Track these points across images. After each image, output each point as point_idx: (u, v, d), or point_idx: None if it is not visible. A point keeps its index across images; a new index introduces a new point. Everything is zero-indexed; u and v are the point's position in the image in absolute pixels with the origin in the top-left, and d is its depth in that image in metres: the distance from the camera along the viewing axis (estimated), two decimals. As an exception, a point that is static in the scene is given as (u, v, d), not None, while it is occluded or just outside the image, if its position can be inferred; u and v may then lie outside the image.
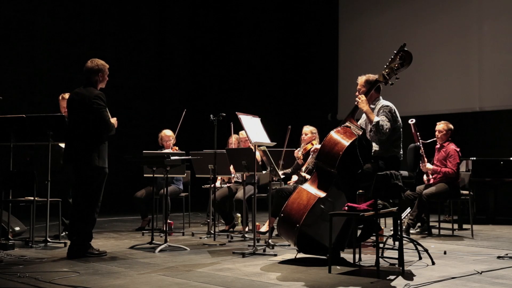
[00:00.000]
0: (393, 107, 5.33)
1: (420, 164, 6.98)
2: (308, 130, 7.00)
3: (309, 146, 6.72)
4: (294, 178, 7.14)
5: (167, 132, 7.55)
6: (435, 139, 7.10)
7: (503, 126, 10.04)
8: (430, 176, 6.98)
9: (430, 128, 7.10)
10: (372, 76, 5.40)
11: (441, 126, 7.06)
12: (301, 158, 6.79)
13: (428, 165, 6.95)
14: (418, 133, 6.90)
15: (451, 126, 7.06)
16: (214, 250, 5.79)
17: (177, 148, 7.38)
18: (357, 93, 5.40)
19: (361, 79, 5.44)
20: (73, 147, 5.41)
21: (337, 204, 4.93)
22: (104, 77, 5.52)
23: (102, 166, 5.35)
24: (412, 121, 6.91)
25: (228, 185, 7.54)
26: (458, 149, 6.95)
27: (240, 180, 7.32)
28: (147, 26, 12.04)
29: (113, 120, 5.49)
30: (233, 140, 7.58)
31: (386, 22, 11.03)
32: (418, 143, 6.92)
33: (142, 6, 11.95)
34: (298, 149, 6.87)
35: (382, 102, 5.37)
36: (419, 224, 7.13)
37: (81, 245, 5.28)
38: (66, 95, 6.60)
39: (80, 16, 10.95)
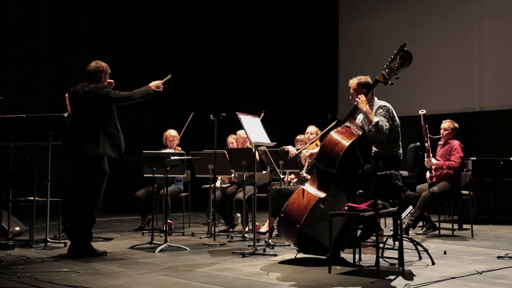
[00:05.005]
0: (390, 107, 5.32)
1: (425, 159, 6.95)
2: (314, 130, 6.98)
3: (311, 147, 6.65)
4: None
5: (172, 132, 7.57)
6: (440, 136, 7.14)
7: (503, 126, 10.03)
8: (434, 173, 6.97)
9: (430, 128, 7.08)
10: (363, 78, 5.38)
11: (446, 124, 7.09)
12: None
13: (433, 160, 6.95)
14: (426, 126, 6.89)
15: (456, 124, 7.10)
16: (214, 250, 5.79)
17: (179, 148, 7.39)
18: (350, 97, 5.39)
19: (353, 82, 5.40)
20: (74, 143, 5.42)
21: (337, 204, 4.93)
22: (106, 79, 5.55)
23: (102, 166, 5.36)
24: (422, 111, 6.89)
25: (228, 185, 7.54)
26: (462, 145, 6.99)
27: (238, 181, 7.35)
28: (148, 26, 12.03)
29: (157, 82, 5.63)
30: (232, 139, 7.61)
31: (386, 22, 11.02)
32: (426, 138, 6.90)
33: (143, 6, 11.95)
34: (300, 148, 6.77)
35: (379, 102, 5.35)
36: (423, 223, 7.13)
37: (81, 245, 5.29)
38: None
39: (80, 16, 10.94)
